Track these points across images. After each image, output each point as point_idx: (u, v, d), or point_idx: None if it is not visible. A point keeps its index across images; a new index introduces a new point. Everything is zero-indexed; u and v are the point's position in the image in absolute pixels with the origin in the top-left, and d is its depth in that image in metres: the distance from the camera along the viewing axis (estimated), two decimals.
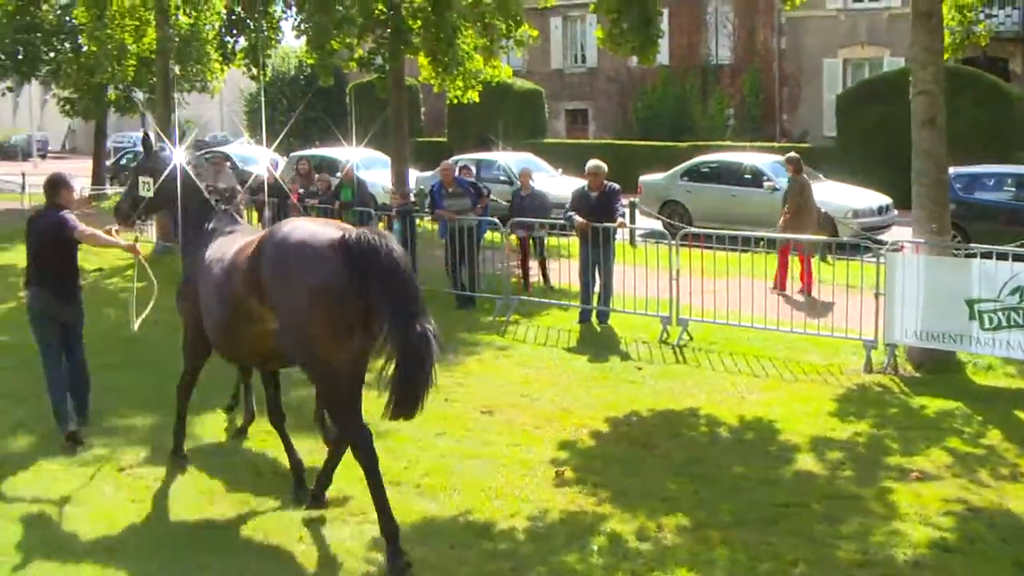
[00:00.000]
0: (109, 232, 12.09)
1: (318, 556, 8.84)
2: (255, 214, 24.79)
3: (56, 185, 12.37)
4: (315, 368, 9.10)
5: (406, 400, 8.37)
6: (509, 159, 33.55)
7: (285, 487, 10.18)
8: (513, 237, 20.16)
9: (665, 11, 22.14)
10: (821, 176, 29.08)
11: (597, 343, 16.62)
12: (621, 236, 19.72)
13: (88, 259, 26.77)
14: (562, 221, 18.69)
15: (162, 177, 11.46)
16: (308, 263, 8.60)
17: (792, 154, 22.29)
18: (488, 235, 20.73)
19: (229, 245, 9.97)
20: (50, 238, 12.10)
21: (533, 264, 21.20)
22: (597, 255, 17.56)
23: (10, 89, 53.44)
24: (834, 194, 27.39)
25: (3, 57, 47.93)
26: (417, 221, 21.19)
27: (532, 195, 21.34)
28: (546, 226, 20.72)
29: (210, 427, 12.35)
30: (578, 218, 17.63)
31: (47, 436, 12.12)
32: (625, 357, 15.71)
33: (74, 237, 12.10)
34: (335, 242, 8.57)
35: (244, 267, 9.25)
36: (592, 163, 18.09)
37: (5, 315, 18.81)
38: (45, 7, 45.52)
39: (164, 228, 27.98)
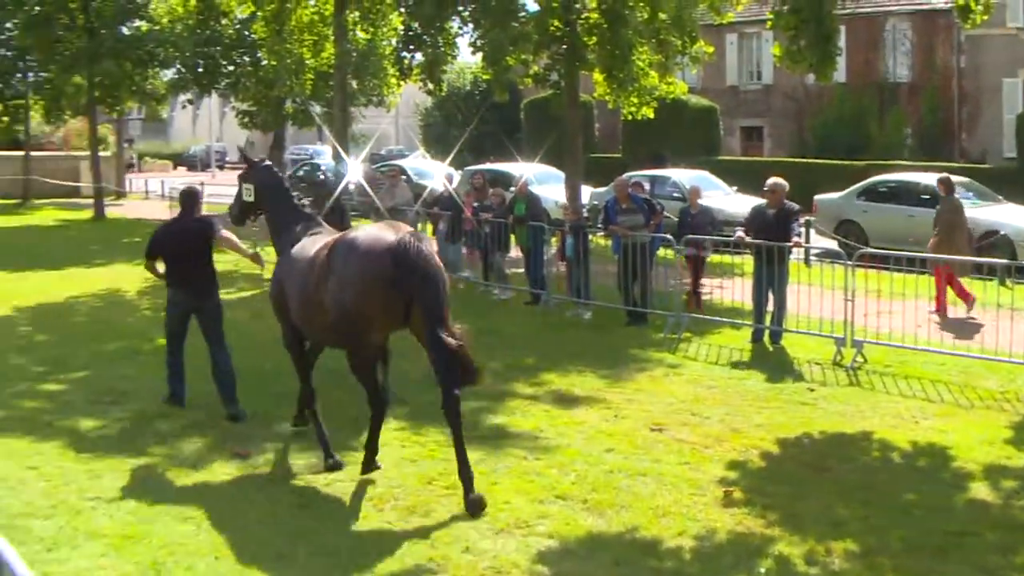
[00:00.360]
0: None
1: (483, 567, 8.88)
2: (429, 227, 25.09)
3: (195, 196, 14.53)
4: (354, 342, 11.01)
5: (459, 376, 10.62)
6: (683, 176, 33.44)
7: (455, 497, 10.30)
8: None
9: (842, 28, 21.81)
10: (1000, 198, 28.50)
11: (769, 363, 16.46)
12: (796, 255, 19.56)
13: (268, 269, 27.45)
14: (734, 239, 18.60)
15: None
16: (368, 258, 10.58)
17: (944, 175, 21.90)
18: (661, 252, 20.69)
19: (312, 245, 11.76)
20: (197, 240, 13.90)
21: (705, 281, 21.17)
22: (771, 274, 17.41)
23: (190, 102, 54.94)
24: (1014, 216, 26.79)
25: (184, 70, 49.23)
26: (590, 237, 21.23)
27: (700, 212, 21.24)
28: (717, 244, 20.61)
29: (383, 436, 12.53)
30: (739, 232, 17.60)
31: (219, 439, 12.50)
32: (797, 378, 15.53)
33: (216, 239, 13.94)
34: (389, 245, 10.55)
35: (319, 264, 11.08)
36: (772, 180, 17.94)
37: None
38: (225, 21, 46.64)
39: None
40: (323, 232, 12.31)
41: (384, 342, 11.67)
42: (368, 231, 11.24)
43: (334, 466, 11.39)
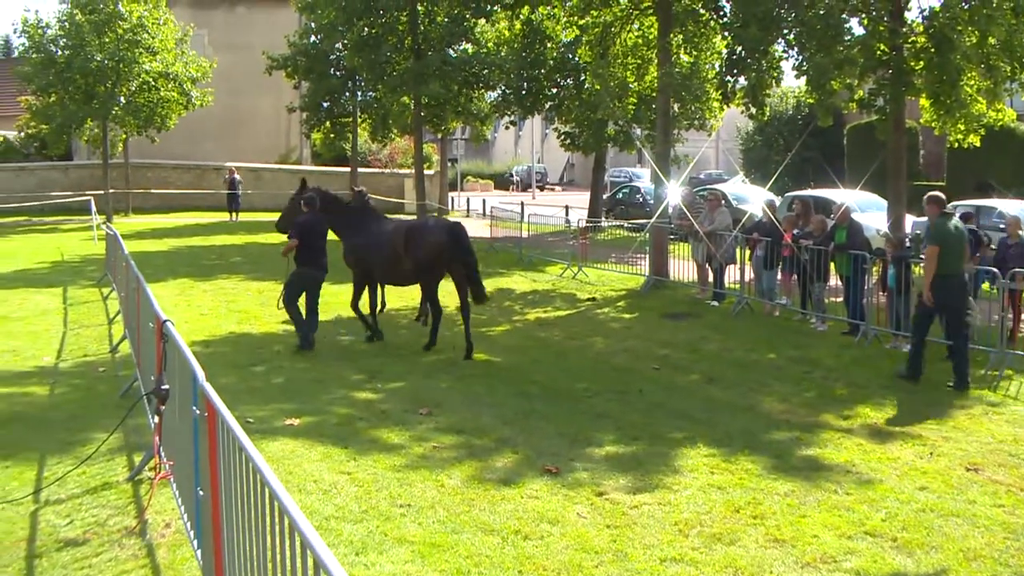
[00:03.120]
0: None
1: None
2: (747, 252, 24.91)
3: (316, 199, 19.80)
4: (428, 283, 19.50)
5: (478, 298, 19.44)
6: (1012, 207, 32.31)
7: (762, 527, 10.22)
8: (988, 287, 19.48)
9: None
10: None
11: None
12: None
13: (583, 289, 27.80)
14: None
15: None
16: (433, 235, 19.30)
17: None
18: (985, 285, 20.03)
19: (382, 227, 19.95)
20: (323, 230, 19.54)
21: None
22: None
23: (513, 123, 55.96)
24: None
25: (509, 92, 50.31)
26: (913, 268, 20.72)
27: (1016, 244, 20.50)
28: None
29: (692, 461, 12.55)
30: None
31: (531, 455, 12.70)
32: None
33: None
34: (446, 227, 19.65)
35: (402, 236, 19.20)
36: None
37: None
38: (550, 45, 47.43)
39: (657, 265, 28.64)
40: (379, 220, 20.43)
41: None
42: (434, 222, 22.21)
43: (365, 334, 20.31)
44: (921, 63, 24.08)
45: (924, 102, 25.50)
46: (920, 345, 17.26)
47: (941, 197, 18.04)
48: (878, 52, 24.20)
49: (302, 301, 19.32)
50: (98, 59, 48.11)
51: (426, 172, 56.07)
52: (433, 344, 19.58)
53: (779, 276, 23.97)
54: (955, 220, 17.72)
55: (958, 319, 17.26)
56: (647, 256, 29.99)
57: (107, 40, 48.55)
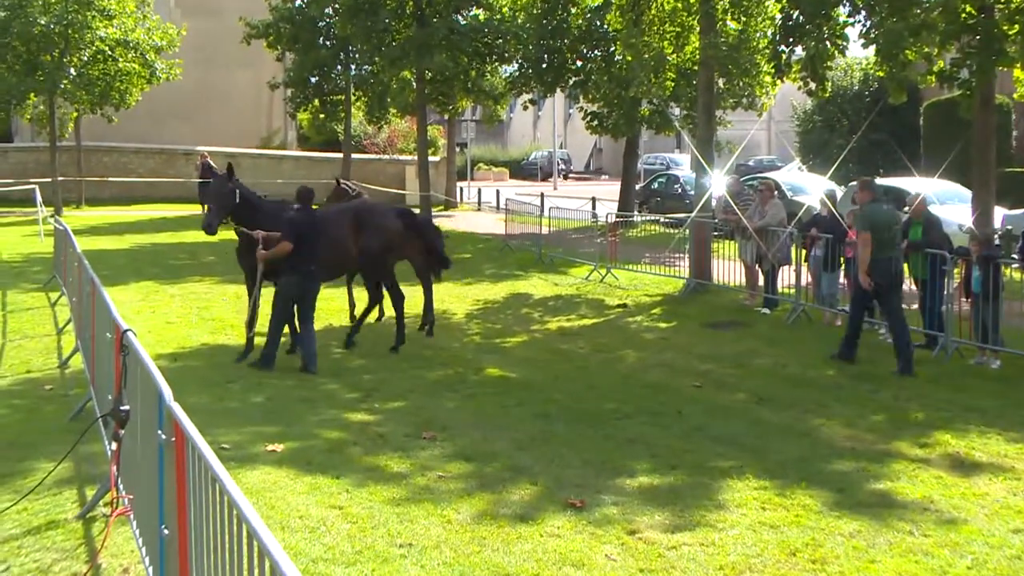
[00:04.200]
0: None
1: None
2: (803, 252, 24.81)
3: (312, 195, 19.55)
4: (381, 271, 20.85)
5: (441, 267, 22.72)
6: None
7: (824, 567, 10.13)
8: None
9: None
10: None
11: None
12: None
13: (612, 293, 27.74)
14: None
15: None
16: (387, 220, 21.17)
17: None
18: None
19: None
20: (320, 231, 19.08)
21: None
22: None
23: (532, 102, 55.71)
24: None
25: (527, 65, 49.86)
26: (1003, 269, 20.60)
27: None
28: None
29: (740, 495, 12.47)
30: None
31: (550, 486, 12.62)
32: None
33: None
34: (398, 211, 22.49)
35: (349, 223, 20.47)
36: None
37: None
38: (574, 11, 47.13)
39: (699, 266, 28.56)
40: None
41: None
42: (382, 204, 24.56)
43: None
44: (1016, 27, 23.91)
45: (1019, 73, 25.39)
46: (856, 328, 20.18)
47: (873, 183, 20.69)
48: (963, 15, 24.04)
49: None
50: (42, 23, 47.75)
51: (431, 159, 55.99)
52: (401, 343, 20.92)
53: (841, 279, 23.86)
54: (886, 206, 20.24)
55: (889, 301, 19.62)
56: (687, 256, 29.96)
57: (53, 1, 48.31)
